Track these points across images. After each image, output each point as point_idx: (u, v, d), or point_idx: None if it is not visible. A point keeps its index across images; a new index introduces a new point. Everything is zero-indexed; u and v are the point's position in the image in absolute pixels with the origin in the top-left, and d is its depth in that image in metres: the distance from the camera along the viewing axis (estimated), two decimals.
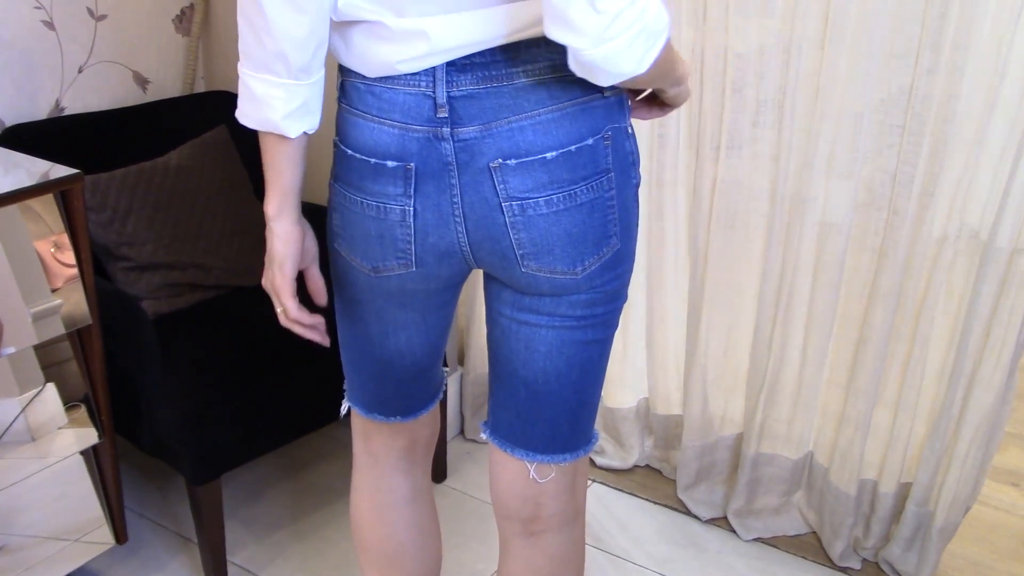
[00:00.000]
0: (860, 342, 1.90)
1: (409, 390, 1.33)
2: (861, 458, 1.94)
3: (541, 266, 1.10)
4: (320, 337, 1.23)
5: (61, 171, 1.61)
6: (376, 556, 1.42)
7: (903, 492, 1.94)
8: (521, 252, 1.09)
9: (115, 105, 2.31)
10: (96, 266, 2.01)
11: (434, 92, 1.04)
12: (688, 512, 2.18)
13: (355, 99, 1.10)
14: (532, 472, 1.24)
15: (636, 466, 2.34)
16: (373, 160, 1.09)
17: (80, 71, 2.23)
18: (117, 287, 2.03)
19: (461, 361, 2.47)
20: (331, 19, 1.07)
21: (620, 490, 2.27)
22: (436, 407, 1.41)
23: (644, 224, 2.10)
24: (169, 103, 2.38)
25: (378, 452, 1.40)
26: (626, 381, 2.30)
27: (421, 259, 1.13)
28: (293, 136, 1.09)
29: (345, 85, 1.12)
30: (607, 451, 2.34)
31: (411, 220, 1.10)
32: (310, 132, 1.12)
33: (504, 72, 1.03)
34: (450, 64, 1.03)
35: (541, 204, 1.06)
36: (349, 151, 1.11)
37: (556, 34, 0.94)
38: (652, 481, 2.30)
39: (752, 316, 2.04)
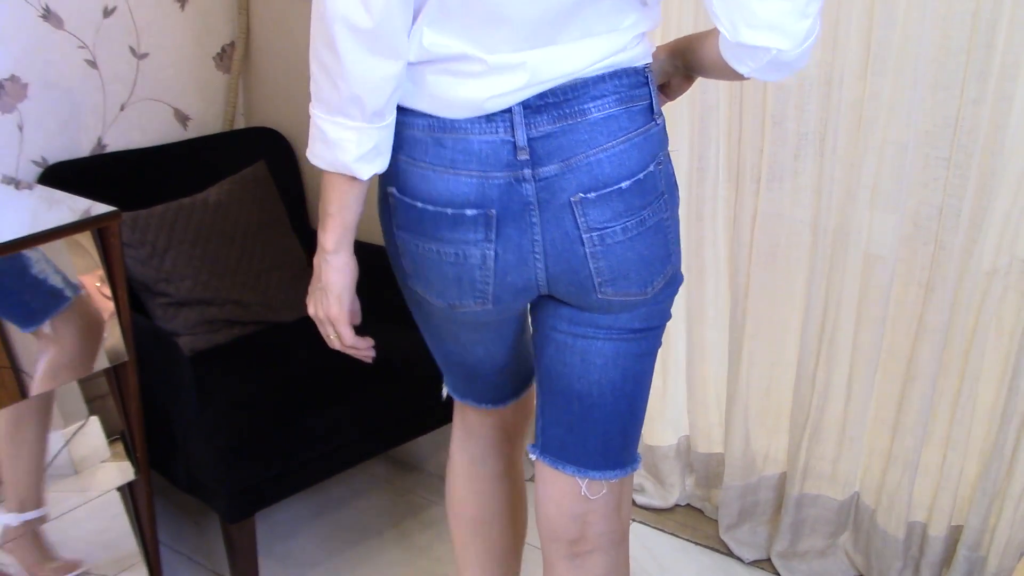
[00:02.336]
0: (907, 378, 1.85)
1: (497, 382, 1.39)
2: (909, 499, 1.88)
3: (617, 291, 1.15)
4: (369, 357, 1.30)
5: (101, 209, 1.63)
6: (463, 523, 1.51)
7: (954, 535, 1.88)
8: (599, 280, 1.13)
9: (156, 142, 2.33)
10: (135, 302, 2.03)
11: (513, 136, 1.07)
12: (731, 554, 2.13)
13: (419, 151, 1.11)
14: (584, 488, 1.25)
15: (677, 505, 2.29)
16: (450, 211, 1.10)
17: (122, 109, 2.26)
18: (154, 323, 2.04)
19: None
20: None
21: (661, 530, 2.22)
22: (526, 396, 1.47)
23: (684, 258, 2.07)
24: (209, 140, 2.40)
25: (472, 427, 1.47)
26: (667, 418, 2.26)
27: (498, 297, 1.17)
28: (364, 178, 1.11)
29: (404, 136, 1.12)
30: (647, 490, 2.30)
31: (492, 263, 1.13)
32: (380, 173, 1.13)
33: (577, 109, 1.07)
34: (526, 107, 1.06)
35: (618, 232, 1.11)
36: (419, 204, 1.12)
37: (758, 39, 1.01)
38: (693, 521, 2.25)
39: (795, 351, 1.99)
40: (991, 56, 1.58)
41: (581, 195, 1.09)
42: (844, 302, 1.88)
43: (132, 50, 2.25)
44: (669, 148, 1.18)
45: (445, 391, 1.50)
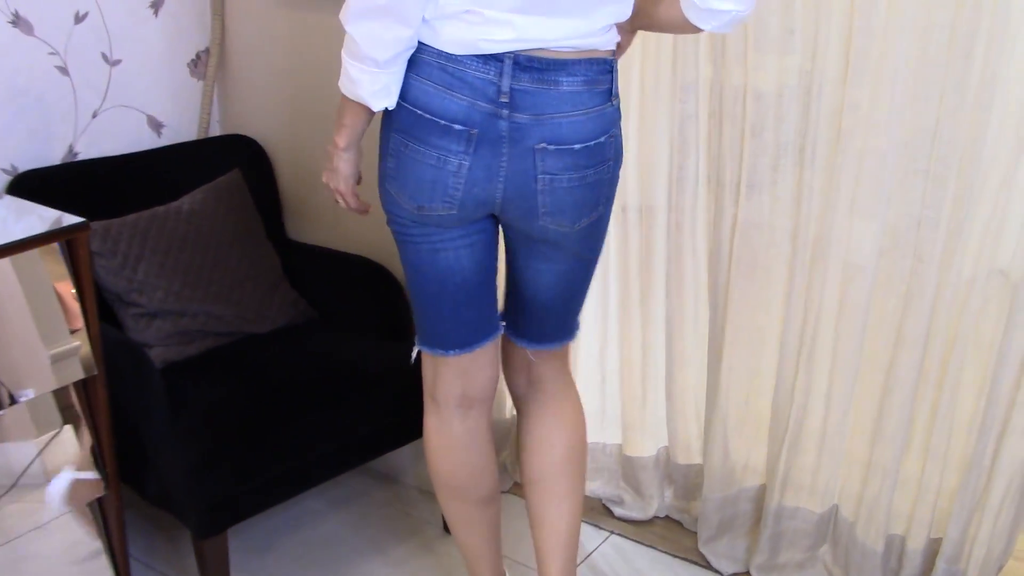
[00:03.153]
0: (886, 389, 1.84)
1: (464, 317, 1.59)
2: (888, 511, 1.87)
3: (553, 221, 1.47)
4: (365, 211, 1.62)
5: (70, 219, 1.60)
6: (443, 482, 1.74)
7: (933, 548, 1.87)
8: (543, 211, 1.45)
9: (129, 150, 2.29)
10: (106, 312, 1.99)
11: (499, 81, 1.37)
12: (709, 566, 2.11)
13: (427, 73, 1.39)
14: (530, 355, 1.69)
15: (656, 517, 2.27)
16: (442, 122, 1.39)
17: (94, 116, 2.23)
18: (126, 335, 2.01)
19: None
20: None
21: (639, 542, 2.20)
22: (492, 350, 1.66)
23: (663, 267, 2.06)
24: (184, 147, 2.37)
25: (440, 399, 1.67)
26: (646, 429, 2.24)
27: (463, 203, 1.44)
28: (376, 110, 1.43)
29: (418, 61, 1.39)
30: (626, 502, 2.28)
31: (464, 172, 1.41)
32: (390, 108, 1.42)
33: (554, 79, 1.38)
34: (515, 62, 1.36)
35: (563, 180, 1.43)
36: (419, 111, 1.40)
37: (725, 4, 1.34)
38: (672, 533, 2.23)
39: (774, 362, 1.98)
40: (970, 67, 1.58)
41: (544, 145, 1.40)
42: (824, 312, 1.87)
43: (104, 56, 2.21)
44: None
45: (416, 351, 1.67)
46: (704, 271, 2.06)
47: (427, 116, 1.40)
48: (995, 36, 1.55)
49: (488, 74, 1.37)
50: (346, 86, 1.42)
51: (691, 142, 1.94)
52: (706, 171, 1.97)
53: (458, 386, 1.65)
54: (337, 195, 1.59)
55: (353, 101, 1.43)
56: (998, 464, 1.73)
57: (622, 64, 1.55)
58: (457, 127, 1.39)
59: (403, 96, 1.42)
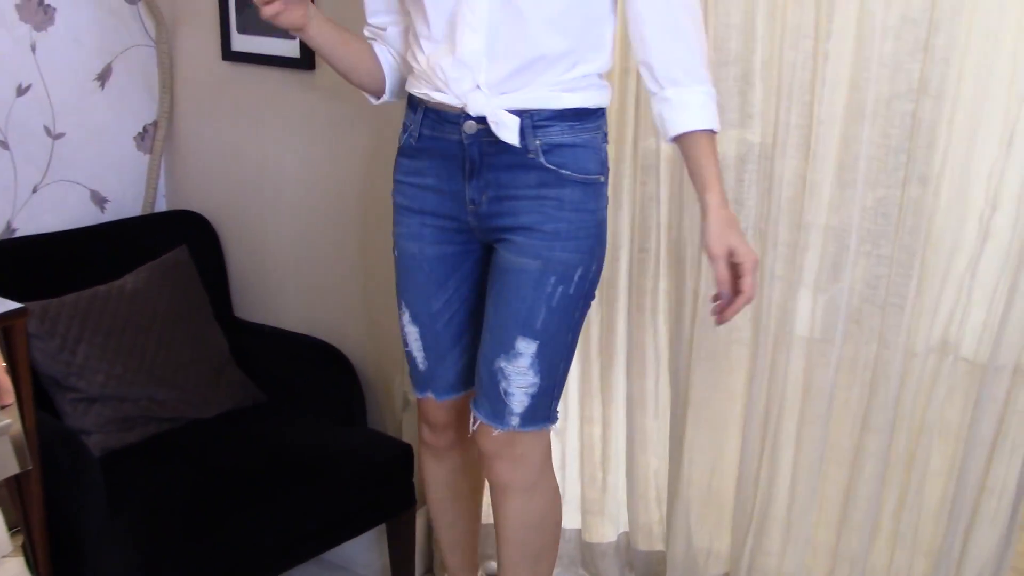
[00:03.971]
0: (852, 475, 1.81)
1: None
2: None
3: None
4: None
5: (8, 305, 1.51)
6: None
7: None
8: None
9: (71, 225, 2.21)
10: (42, 397, 1.89)
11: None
12: None
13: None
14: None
15: None
16: None
17: (34, 191, 2.14)
18: (63, 421, 1.91)
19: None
20: None
21: None
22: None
23: (624, 346, 2.02)
24: (128, 223, 2.29)
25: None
26: (606, 513, 2.18)
27: None
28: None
29: None
30: None
31: None
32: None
33: None
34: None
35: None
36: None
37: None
38: None
39: (737, 445, 1.94)
40: (931, 156, 1.58)
41: None
42: (787, 397, 1.84)
43: (47, 129, 2.14)
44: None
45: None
46: (665, 351, 2.02)
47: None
48: (956, 126, 1.56)
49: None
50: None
51: (652, 222, 1.92)
52: (667, 253, 1.95)
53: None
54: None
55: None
56: (967, 553, 1.70)
57: None
58: None
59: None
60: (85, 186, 2.25)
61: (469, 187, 1.54)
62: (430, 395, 1.72)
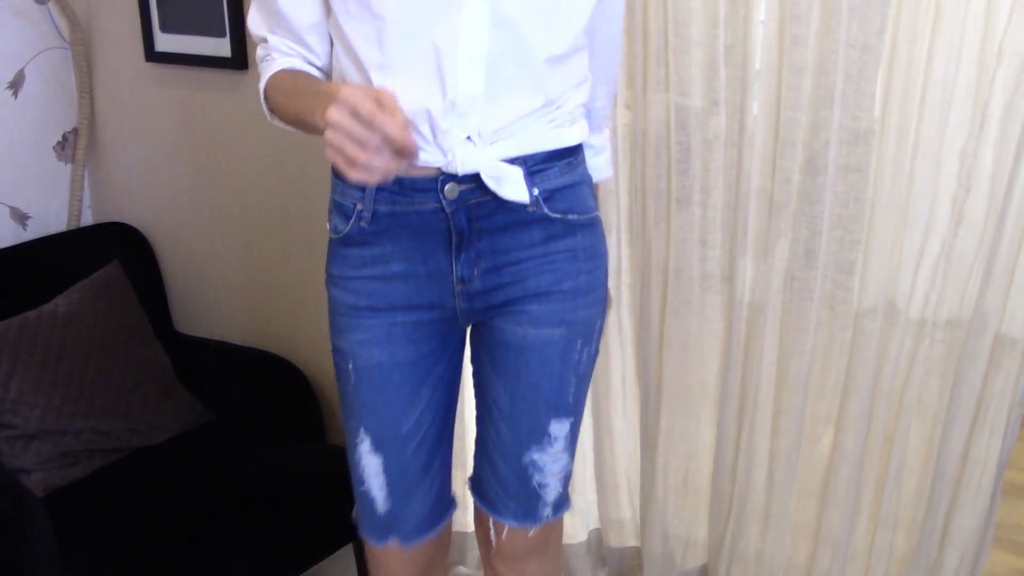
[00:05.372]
0: (831, 462, 1.78)
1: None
2: None
3: None
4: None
5: None
6: None
7: None
8: None
9: None
10: None
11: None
12: None
13: None
14: None
15: None
16: None
17: None
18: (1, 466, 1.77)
19: None
20: None
21: None
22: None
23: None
24: (54, 240, 2.14)
25: None
26: (576, 512, 2.13)
27: None
28: None
29: None
30: None
31: None
32: None
33: None
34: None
35: None
36: None
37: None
38: None
39: (711, 437, 1.91)
40: (903, 139, 1.55)
41: None
42: (762, 385, 1.81)
43: None
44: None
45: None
46: (631, 348, 1.97)
47: None
48: (928, 106, 1.52)
49: None
50: None
51: (611, 205, 1.86)
52: (628, 250, 1.89)
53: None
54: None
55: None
56: (949, 533, 1.70)
57: None
58: None
59: None
60: (3, 203, 2.10)
61: (457, 264, 1.25)
62: (394, 543, 1.38)
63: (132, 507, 1.76)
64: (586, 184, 1.32)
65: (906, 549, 1.79)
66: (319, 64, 1.26)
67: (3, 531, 1.57)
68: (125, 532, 1.69)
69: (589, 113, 1.36)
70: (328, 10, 1.20)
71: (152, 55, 2.09)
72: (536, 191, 1.23)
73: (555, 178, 1.25)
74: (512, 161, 1.21)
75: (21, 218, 2.14)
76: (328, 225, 1.31)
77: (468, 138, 1.17)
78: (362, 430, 1.32)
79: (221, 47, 1.98)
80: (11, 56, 2.07)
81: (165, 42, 2.06)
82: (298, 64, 1.24)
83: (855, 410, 1.71)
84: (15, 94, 2.09)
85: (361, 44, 1.14)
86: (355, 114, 0.96)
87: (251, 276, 2.17)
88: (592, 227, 1.32)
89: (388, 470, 1.33)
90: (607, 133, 1.48)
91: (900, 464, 1.73)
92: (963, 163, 1.53)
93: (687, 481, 1.98)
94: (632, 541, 2.11)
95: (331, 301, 1.31)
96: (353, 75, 1.17)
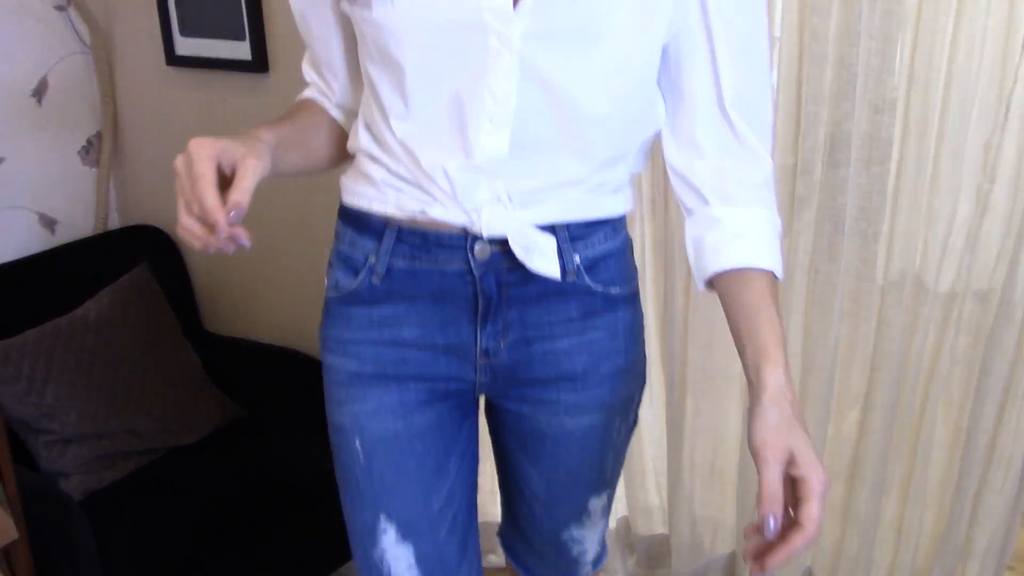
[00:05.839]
0: (860, 440, 1.79)
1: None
2: (868, 568, 1.83)
3: None
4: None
5: None
6: None
7: None
8: None
9: (20, 254, 2.08)
10: (14, 442, 1.79)
11: None
12: None
13: None
14: None
15: None
16: None
17: None
18: (38, 466, 1.81)
19: None
20: None
21: None
22: None
23: None
24: (82, 244, 2.17)
25: None
26: None
27: None
28: None
29: None
30: None
31: None
32: None
33: None
34: None
35: None
36: None
37: None
38: None
39: (739, 425, 1.92)
40: (926, 132, 1.54)
41: None
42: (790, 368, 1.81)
43: None
44: None
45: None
46: (656, 337, 1.98)
47: None
48: (952, 100, 1.52)
49: None
50: None
51: (635, 214, 1.86)
52: (651, 241, 1.89)
53: None
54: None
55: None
56: (978, 512, 1.71)
57: None
58: None
59: None
60: (31, 209, 2.13)
61: (482, 334, 1.09)
62: None
63: (168, 507, 1.79)
64: (629, 250, 1.16)
65: (935, 529, 1.81)
66: (334, 100, 1.16)
67: (46, 538, 1.61)
68: (162, 532, 1.72)
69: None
70: (352, 49, 1.10)
71: (173, 59, 2.10)
72: (577, 258, 1.07)
73: (598, 245, 1.09)
74: (548, 228, 1.05)
75: (49, 224, 2.17)
76: (327, 281, 1.15)
77: (497, 198, 1.02)
78: (383, 518, 1.12)
79: (241, 50, 1.98)
80: (33, 63, 2.08)
81: (185, 46, 2.07)
82: (314, 94, 1.17)
83: (882, 394, 1.72)
84: (39, 101, 2.11)
85: (384, 91, 1.02)
86: (189, 170, 0.87)
87: (276, 274, 2.19)
88: (634, 299, 1.17)
89: (422, 560, 1.13)
90: (762, 212, 1.05)
91: (928, 446, 1.73)
92: (987, 155, 1.53)
93: (714, 468, 2.00)
94: (660, 528, 2.13)
95: (327, 371, 1.14)
96: (377, 122, 1.05)
